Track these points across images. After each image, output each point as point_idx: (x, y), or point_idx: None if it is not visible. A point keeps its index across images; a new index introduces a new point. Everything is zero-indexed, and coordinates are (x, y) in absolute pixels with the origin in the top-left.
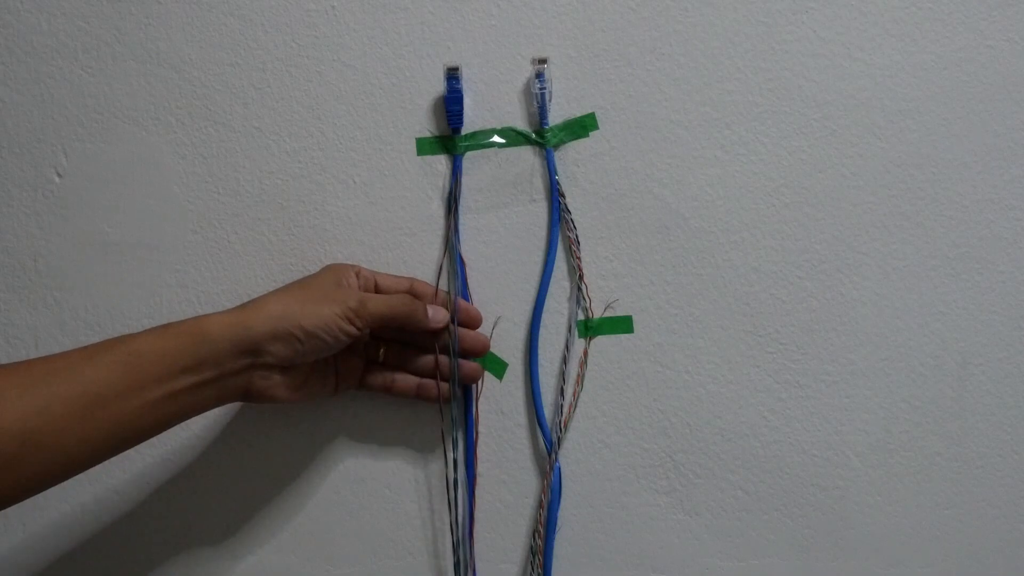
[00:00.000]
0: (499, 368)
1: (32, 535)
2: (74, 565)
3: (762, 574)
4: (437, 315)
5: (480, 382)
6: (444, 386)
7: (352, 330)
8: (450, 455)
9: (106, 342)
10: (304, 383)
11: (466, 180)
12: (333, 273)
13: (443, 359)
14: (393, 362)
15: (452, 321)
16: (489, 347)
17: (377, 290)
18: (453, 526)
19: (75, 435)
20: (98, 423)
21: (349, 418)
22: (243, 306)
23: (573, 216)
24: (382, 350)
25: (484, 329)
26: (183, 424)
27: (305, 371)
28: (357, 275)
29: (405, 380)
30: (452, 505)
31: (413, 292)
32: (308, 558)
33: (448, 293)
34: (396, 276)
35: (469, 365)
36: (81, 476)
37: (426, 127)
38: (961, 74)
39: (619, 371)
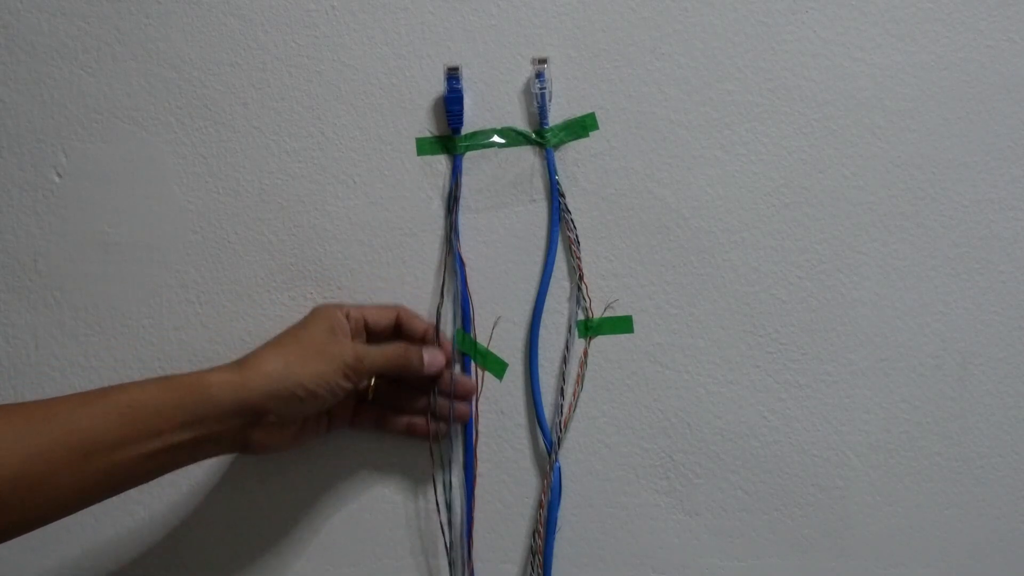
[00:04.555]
0: (499, 368)
1: None
2: None
3: (762, 574)
4: (434, 361)
5: (480, 382)
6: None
7: (349, 386)
8: (441, 452)
9: (106, 390)
10: (299, 432)
11: (466, 180)
12: (325, 319)
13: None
14: (383, 399)
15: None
16: (476, 392)
17: (367, 328)
18: (443, 528)
19: (68, 480)
20: (92, 470)
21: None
22: (242, 364)
23: (573, 216)
24: (371, 388)
25: (483, 329)
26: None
27: (300, 421)
28: (347, 316)
29: (395, 417)
30: (439, 507)
31: (400, 322)
32: (309, 559)
33: (438, 331)
34: (383, 308)
35: (461, 407)
36: (74, 526)
37: (426, 127)
38: (961, 74)
39: (619, 371)
